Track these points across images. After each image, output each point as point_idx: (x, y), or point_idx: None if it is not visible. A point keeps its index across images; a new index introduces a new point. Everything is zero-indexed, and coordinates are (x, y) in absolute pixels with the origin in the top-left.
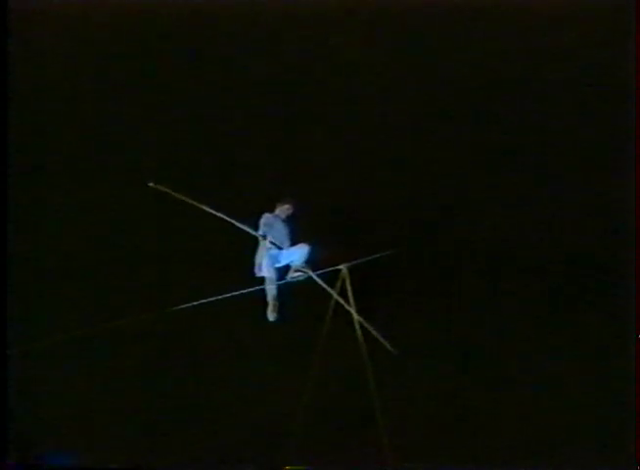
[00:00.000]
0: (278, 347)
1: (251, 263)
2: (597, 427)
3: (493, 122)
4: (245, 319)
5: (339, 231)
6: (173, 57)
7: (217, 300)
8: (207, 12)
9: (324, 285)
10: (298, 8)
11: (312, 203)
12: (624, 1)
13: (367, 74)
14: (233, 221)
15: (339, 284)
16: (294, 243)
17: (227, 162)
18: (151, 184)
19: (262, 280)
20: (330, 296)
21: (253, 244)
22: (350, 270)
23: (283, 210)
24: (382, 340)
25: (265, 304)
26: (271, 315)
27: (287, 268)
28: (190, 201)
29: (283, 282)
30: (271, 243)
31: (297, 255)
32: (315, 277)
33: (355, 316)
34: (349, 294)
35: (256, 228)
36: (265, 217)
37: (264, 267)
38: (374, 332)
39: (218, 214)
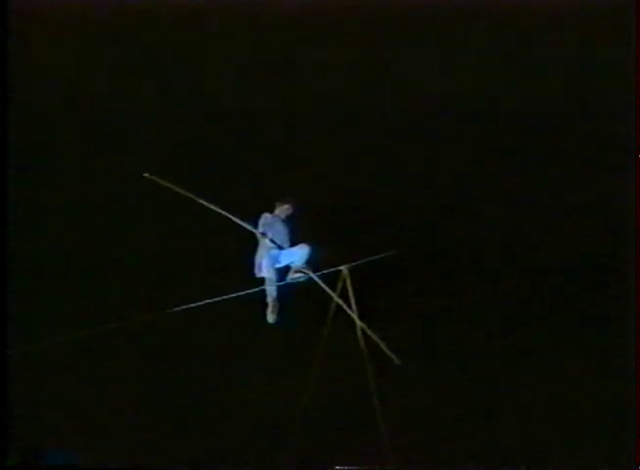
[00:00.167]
0: (278, 348)
1: (250, 264)
2: (597, 427)
3: (493, 123)
4: (244, 320)
5: (339, 231)
6: (173, 57)
7: (217, 301)
8: (207, 12)
9: (325, 287)
10: (299, 8)
11: (312, 203)
12: (624, 1)
13: (367, 75)
14: (232, 217)
15: (339, 285)
16: (293, 243)
17: (227, 161)
18: (146, 175)
19: (262, 281)
20: (331, 297)
21: (253, 244)
22: (351, 271)
23: (283, 210)
24: (387, 351)
25: (265, 305)
26: (271, 317)
27: (287, 269)
28: (186, 193)
29: (283, 283)
30: (271, 241)
31: (297, 255)
32: (316, 278)
33: (358, 323)
34: (350, 294)
35: (255, 228)
36: (264, 217)
37: (264, 268)
38: (378, 341)
39: (217, 209)
